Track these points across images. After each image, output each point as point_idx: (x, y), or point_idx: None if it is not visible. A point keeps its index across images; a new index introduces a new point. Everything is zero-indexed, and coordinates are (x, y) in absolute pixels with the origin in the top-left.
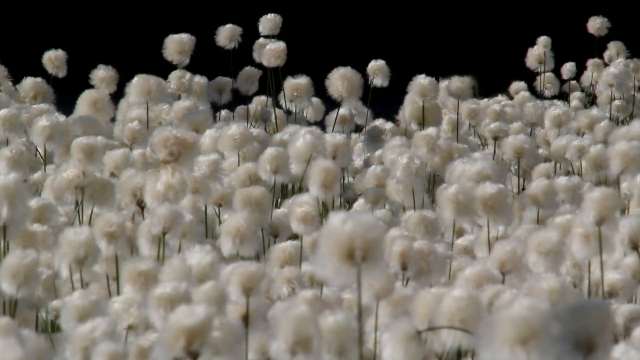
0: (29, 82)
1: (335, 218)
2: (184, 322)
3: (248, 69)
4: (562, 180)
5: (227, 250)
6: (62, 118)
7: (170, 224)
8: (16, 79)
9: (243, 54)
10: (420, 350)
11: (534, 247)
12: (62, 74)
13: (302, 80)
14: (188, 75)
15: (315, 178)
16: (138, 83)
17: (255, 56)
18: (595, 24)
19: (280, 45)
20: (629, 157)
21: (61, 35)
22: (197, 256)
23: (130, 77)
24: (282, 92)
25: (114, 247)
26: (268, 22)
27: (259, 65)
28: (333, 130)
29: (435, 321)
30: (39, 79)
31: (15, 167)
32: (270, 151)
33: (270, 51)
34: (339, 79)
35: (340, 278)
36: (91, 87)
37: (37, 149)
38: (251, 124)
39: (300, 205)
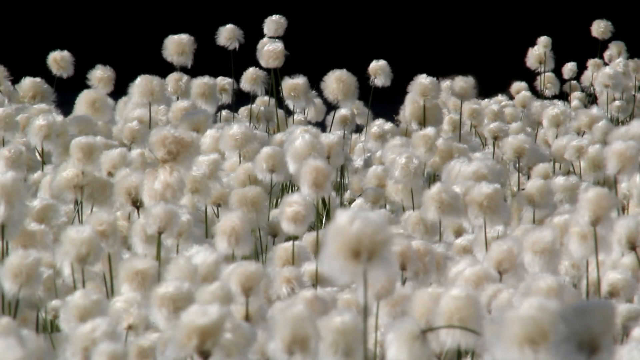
0: (28, 82)
1: (343, 216)
2: (197, 322)
3: (252, 70)
4: (559, 180)
5: (223, 250)
6: (59, 118)
7: (165, 223)
8: (16, 79)
9: (247, 55)
10: (425, 350)
11: (528, 247)
12: (67, 74)
13: (300, 80)
14: (185, 78)
15: (306, 177)
16: (141, 84)
17: (259, 56)
18: (600, 28)
19: (278, 46)
20: (625, 157)
21: (61, 35)
22: (202, 255)
23: (131, 78)
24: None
25: (105, 245)
26: (273, 23)
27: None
28: (330, 129)
29: (433, 321)
30: (38, 79)
31: (13, 167)
32: (266, 150)
33: (268, 52)
34: (335, 82)
35: (346, 276)
36: (90, 87)
37: (36, 149)
38: (253, 125)
39: (290, 205)
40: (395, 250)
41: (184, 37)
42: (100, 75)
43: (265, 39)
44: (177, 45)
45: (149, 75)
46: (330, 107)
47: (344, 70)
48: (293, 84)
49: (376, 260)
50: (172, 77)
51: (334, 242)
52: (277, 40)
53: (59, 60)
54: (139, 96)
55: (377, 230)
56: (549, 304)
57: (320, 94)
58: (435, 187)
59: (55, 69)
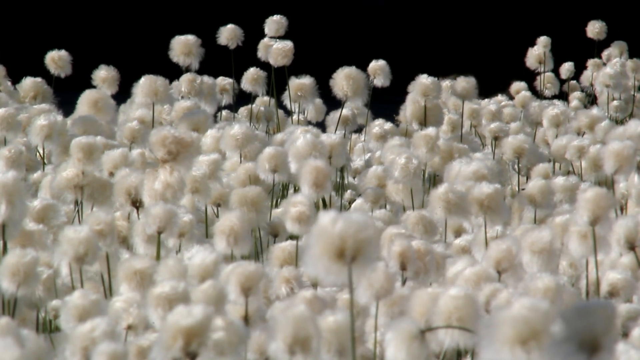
0: (28, 82)
1: (326, 218)
2: (182, 323)
3: (253, 70)
4: (559, 180)
5: (221, 249)
6: (60, 118)
7: (165, 223)
8: (16, 79)
9: (246, 55)
10: (424, 350)
11: (527, 247)
12: (64, 74)
13: (306, 81)
14: (199, 78)
15: (306, 177)
16: (145, 84)
17: (261, 55)
18: (595, 29)
19: (288, 44)
20: (622, 157)
21: (62, 35)
22: (200, 255)
23: (132, 78)
24: (285, 92)
25: (102, 244)
26: (274, 23)
27: (262, 66)
28: (336, 130)
29: (432, 320)
30: (38, 79)
31: (13, 167)
32: (269, 150)
33: (277, 50)
34: (344, 79)
35: (331, 277)
36: (93, 87)
37: (37, 149)
38: (253, 125)
39: (294, 205)
40: (396, 251)
41: (191, 38)
42: (104, 75)
43: (266, 39)
44: (183, 46)
45: (152, 75)
46: (330, 107)
47: (353, 68)
48: (300, 83)
49: (360, 259)
50: (186, 77)
51: (317, 243)
52: (278, 40)
53: (56, 59)
54: (143, 96)
55: (360, 229)
56: (540, 304)
57: (320, 93)
58: (442, 187)
59: (53, 69)
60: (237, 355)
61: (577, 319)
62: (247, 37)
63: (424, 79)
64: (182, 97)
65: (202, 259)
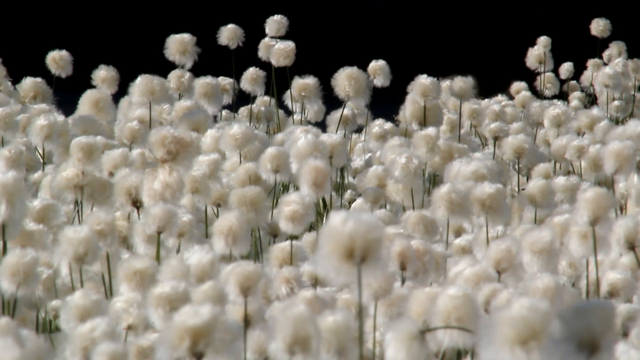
0: (28, 82)
1: (336, 217)
2: (189, 322)
3: (252, 70)
4: (560, 180)
5: (220, 250)
6: (60, 118)
7: (164, 223)
8: (16, 79)
9: (246, 55)
10: (424, 351)
11: (527, 247)
12: (65, 74)
13: (310, 81)
14: (187, 75)
15: (306, 177)
16: (141, 83)
17: (261, 55)
18: (599, 26)
19: (290, 45)
20: (622, 157)
21: (62, 35)
22: (197, 255)
23: (132, 77)
24: (285, 92)
25: (103, 244)
26: (274, 23)
27: (263, 65)
28: (337, 130)
29: (431, 320)
30: (38, 79)
31: (13, 167)
32: (271, 150)
33: (279, 50)
34: (346, 79)
35: (340, 277)
36: (92, 87)
37: (37, 149)
38: (254, 125)
39: (288, 204)
40: (395, 250)
41: (186, 37)
42: (104, 75)
43: (267, 39)
44: (179, 44)
45: (149, 74)
46: (330, 107)
47: (355, 68)
48: (304, 83)
49: (370, 260)
50: (174, 74)
51: (327, 242)
52: (278, 39)
53: (57, 59)
54: (139, 96)
55: (370, 230)
56: (540, 304)
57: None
58: (445, 187)
59: (54, 69)
60: (231, 353)
61: (576, 319)
62: (248, 37)
63: (423, 79)
64: (180, 97)
65: (198, 259)
